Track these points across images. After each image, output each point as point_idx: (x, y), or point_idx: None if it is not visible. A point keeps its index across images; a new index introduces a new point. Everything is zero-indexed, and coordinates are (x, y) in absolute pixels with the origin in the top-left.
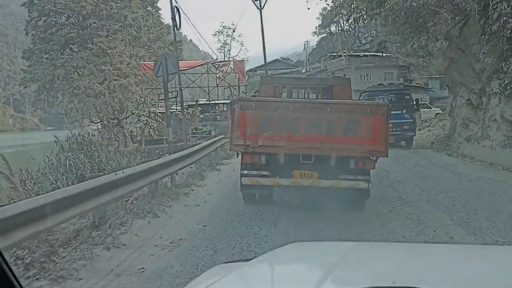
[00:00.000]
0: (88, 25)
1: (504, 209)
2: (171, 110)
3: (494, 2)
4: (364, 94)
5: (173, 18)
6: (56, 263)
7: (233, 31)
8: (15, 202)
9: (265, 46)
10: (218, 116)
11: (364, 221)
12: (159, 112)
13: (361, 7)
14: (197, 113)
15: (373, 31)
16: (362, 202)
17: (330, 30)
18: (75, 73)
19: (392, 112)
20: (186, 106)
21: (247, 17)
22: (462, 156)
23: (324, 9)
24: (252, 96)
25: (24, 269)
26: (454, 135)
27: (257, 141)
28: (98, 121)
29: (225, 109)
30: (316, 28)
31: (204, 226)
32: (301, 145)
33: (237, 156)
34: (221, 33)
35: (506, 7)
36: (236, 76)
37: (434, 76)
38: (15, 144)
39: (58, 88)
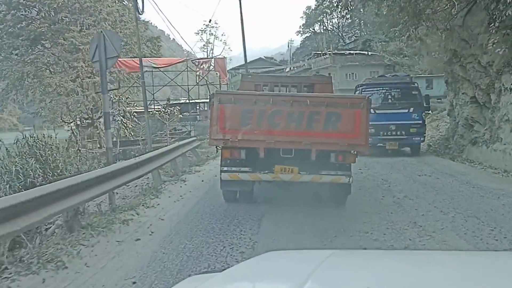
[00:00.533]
0: (60, 19)
1: None
2: (149, 110)
3: None
4: (361, 87)
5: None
6: None
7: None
8: None
9: (249, 47)
10: (198, 116)
11: None
12: (136, 112)
13: None
14: (176, 113)
15: (357, 31)
16: (344, 197)
17: (314, 29)
18: (47, 70)
19: (395, 111)
20: (165, 105)
21: (231, 16)
22: (468, 161)
23: (308, 7)
24: None
25: None
26: (454, 137)
27: (236, 136)
28: (71, 120)
29: (205, 108)
30: (300, 28)
31: (134, 283)
32: (281, 139)
33: (217, 151)
34: (204, 32)
35: None
36: (217, 74)
37: (420, 75)
38: None
39: (28, 86)
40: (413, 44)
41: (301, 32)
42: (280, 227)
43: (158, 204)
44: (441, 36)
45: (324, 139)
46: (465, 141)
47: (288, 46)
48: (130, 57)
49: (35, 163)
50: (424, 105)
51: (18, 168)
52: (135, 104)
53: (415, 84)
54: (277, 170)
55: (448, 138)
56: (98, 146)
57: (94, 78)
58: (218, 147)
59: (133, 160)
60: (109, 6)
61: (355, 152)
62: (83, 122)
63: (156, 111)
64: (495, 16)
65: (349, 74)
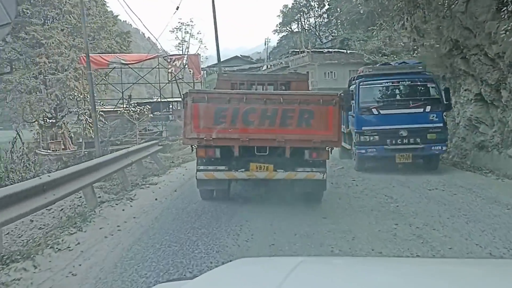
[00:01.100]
0: (21, 12)
1: None
2: (117, 109)
3: None
4: (358, 80)
5: None
6: None
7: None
8: None
9: (226, 47)
10: (170, 116)
11: None
12: (103, 111)
13: None
14: (146, 112)
15: (333, 30)
16: (319, 194)
17: (291, 28)
18: (7, 66)
19: (406, 111)
20: (127, 104)
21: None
22: (476, 169)
23: (285, 6)
24: None
25: None
26: (453, 140)
27: (210, 134)
28: (33, 120)
29: (178, 107)
30: (277, 26)
31: None
32: (255, 137)
33: (192, 151)
34: (179, 30)
35: None
36: (190, 71)
37: None
38: None
39: None
40: (404, 35)
41: (278, 31)
42: None
43: (78, 244)
44: (439, 24)
45: (297, 136)
46: (468, 144)
47: (265, 44)
48: (98, 53)
49: None
50: (444, 102)
51: None
52: (102, 102)
53: (430, 74)
54: (252, 168)
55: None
56: (63, 147)
57: (58, 74)
58: (193, 146)
59: (36, 180)
60: None
61: (329, 149)
62: (46, 122)
63: (125, 110)
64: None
65: (328, 73)
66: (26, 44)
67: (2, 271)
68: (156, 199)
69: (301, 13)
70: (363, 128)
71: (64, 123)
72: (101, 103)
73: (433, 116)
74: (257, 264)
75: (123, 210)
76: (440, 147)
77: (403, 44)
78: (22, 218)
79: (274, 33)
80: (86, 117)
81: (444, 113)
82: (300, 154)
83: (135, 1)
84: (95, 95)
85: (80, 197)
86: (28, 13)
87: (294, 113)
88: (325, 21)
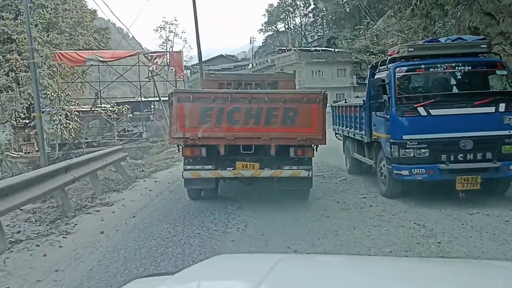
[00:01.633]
0: None
1: None
2: (94, 108)
3: None
4: (392, 65)
5: None
6: None
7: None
8: None
9: (211, 47)
10: (151, 116)
11: None
12: (77, 111)
13: None
14: (125, 112)
15: (319, 29)
16: (306, 191)
17: (276, 27)
18: None
19: (468, 111)
20: (113, 104)
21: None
22: None
23: (271, 5)
24: None
25: None
26: None
27: (196, 134)
28: (5, 120)
29: (160, 107)
30: (262, 26)
31: None
32: (241, 136)
33: (178, 150)
34: (163, 29)
35: None
36: (172, 69)
37: None
38: None
39: None
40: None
41: (263, 30)
42: None
43: None
44: (453, 10)
45: (282, 134)
46: None
47: (250, 42)
48: (75, 50)
49: None
50: None
51: None
52: (78, 102)
53: (499, 58)
54: (238, 166)
55: None
56: (36, 149)
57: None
58: (179, 146)
59: None
60: None
61: (314, 146)
62: (19, 122)
63: (102, 110)
64: None
65: (315, 72)
66: None
67: None
68: (102, 232)
69: (287, 12)
70: (405, 137)
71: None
72: (77, 102)
73: (510, 118)
74: (238, 260)
75: (45, 255)
76: None
77: (391, 43)
78: None
79: (259, 33)
80: (60, 117)
81: None
82: (286, 152)
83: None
84: (69, 94)
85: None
86: None
87: (279, 111)
88: (311, 20)
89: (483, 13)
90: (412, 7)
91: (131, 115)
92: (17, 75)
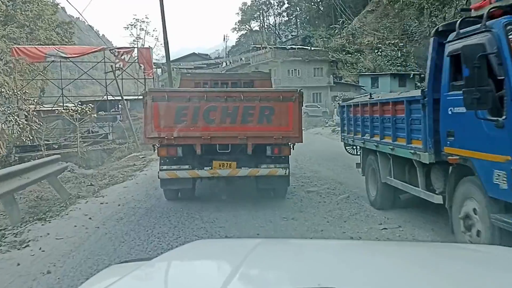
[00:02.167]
0: None
1: None
2: (54, 108)
3: None
4: (492, 23)
5: None
6: None
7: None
8: None
9: (184, 46)
10: (118, 116)
11: None
12: (38, 110)
13: None
14: (89, 112)
15: (293, 29)
16: (283, 190)
17: (250, 26)
18: None
19: None
20: (77, 103)
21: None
22: None
23: (244, 4)
24: None
25: None
26: None
27: (172, 133)
28: None
29: (128, 107)
30: (235, 24)
31: None
32: (217, 135)
33: (154, 150)
34: (134, 27)
35: None
36: (141, 66)
37: (364, 73)
38: None
39: None
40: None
41: (237, 29)
42: None
43: None
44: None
45: (259, 132)
46: None
47: (224, 39)
48: (36, 45)
49: None
50: None
51: None
52: (37, 100)
53: None
54: (215, 165)
55: None
56: None
57: None
58: (154, 146)
59: None
60: None
61: (291, 144)
62: None
63: (64, 109)
64: None
65: (292, 70)
66: None
67: None
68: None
69: (261, 11)
70: None
71: None
72: (35, 101)
73: None
74: (216, 245)
75: None
76: None
77: (366, 42)
78: None
79: (233, 31)
80: (17, 117)
81: None
82: (262, 151)
83: None
84: (27, 91)
85: None
86: None
87: (255, 110)
88: (285, 19)
89: None
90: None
91: (95, 115)
92: None
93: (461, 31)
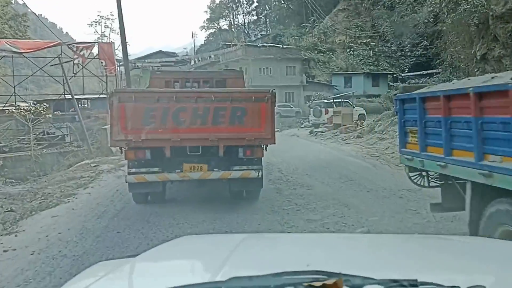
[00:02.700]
0: None
1: None
2: (5, 108)
3: None
4: None
5: None
6: None
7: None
8: None
9: (151, 45)
10: (77, 116)
11: None
12: None
13: None
14: (43, 112)
15: (263, 28)
16: (256, 192)
17: (219, 25)
18: None
19: None
20: (32, 102)
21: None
22: None
23: (213, 1)
24: None
25: None
26: None
27: (139, 135)
28: None
29: (87, 105)
30: (204, 22)
31: None
32: (187, 137)
33: (121, 153)
34: (99, 24)
35: None
36: (102, 63)
37: (336, 72)
38: None
39: None
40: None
41: (206, 27)
42: None
43: None
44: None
45: (231, 134)
46: None
47: (192, 36)
48: None
49: None
50: None
51: None
52: None
53: None
54: (185, 168)
55: None
56: None
57: None
58: (121, 148)
59: None
60: None
61: (263, 146)
62: None
63: (15, 109)
64: None
65: (263, 69)
66: None
67: None
68: None
69: (230, 10)
70: None
71: None
72: None
73: None
74: (202, 241)
75: None
76: None
77: (338, 41)
78: None
79: (201, 29)
80: None
81: None
82: (234, 153)
83: None
84: None
85: None
86: None
87: (226, 111)
88: (254, 18)
89: None
90: None
91: (50, 116)
92: None
93: None
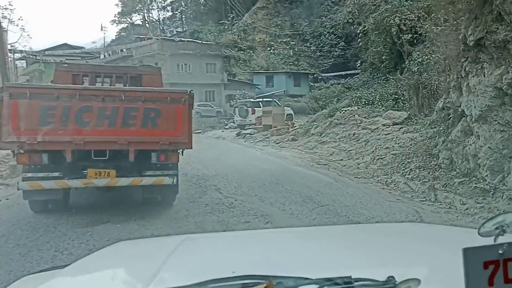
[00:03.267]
0: None
1: None
2: None
3: None
4: None
5: None
6: None
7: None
8: None
9: (56, 40)
10: None
11: None
12: None
13: None
14: None
15: (179, 24)
16: (170, 199)
17: (131, 19)
18: None
19: None
20: None
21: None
22: None
23: None
24: None
25: None
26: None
27: (35, 137)
28: None
29: None
30: (115, 16)
31: None
32: (92, 140)
33: (14, 156)
34: None
35: None
36: None
37: (258, 71)
38: None
39: None
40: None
41: (117, 22)
42: None
43: None
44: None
45: (142, 137)
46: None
47: (101, 29)
48: None
49: None
50: None
51: None
52: None
53: None
54: (90, 174)
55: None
56: None
57: None
58: (14, 152)
59: None
60: None
61: (180, 151)
62: None
63: None
64: None
65: (182, 65)
66: None
67: None
68: None
69: (142, 3)
70: None
71: None
72: None
73: None
74: (139, 245)
75: None
76: None
77: (258, 40)
78: None
79: (112, 24)
80: None
81: None
82: (147, 158)
83: None
84: None
85: None
86: None
87: (138, 112)
88: (170, 14)
89: None
90: None
91: None
92: None
93: None
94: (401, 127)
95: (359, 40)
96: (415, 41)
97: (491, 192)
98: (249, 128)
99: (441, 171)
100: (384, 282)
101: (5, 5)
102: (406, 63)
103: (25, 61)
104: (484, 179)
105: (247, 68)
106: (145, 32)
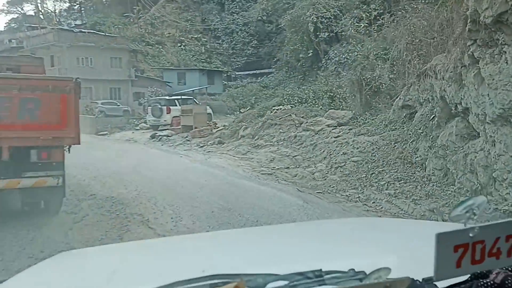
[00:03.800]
0: None
1: None
2: None
3: None
4: None
5: None
6: None
7: None
8: None
9: None
10: None
11: None
12: None
13: None
14: None
15: (77, 17)
16: (55, 204)
17: (23, 9)
18: None
19: None
20: None
21: None
22: None
23: None
24: None
25: None
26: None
27: None
28: None
29: None
30: (3, 6)
31: None
32: None
33: None
34: None
35: None
36: None
37: (169, 68)
38: None
39: None
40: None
41: (6, 12)
42: None
43: None
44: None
45: (19, 132)
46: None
47: None
48: None
49: None
50: None
51: None
52: None
53: None
54: None
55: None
56: None
57: None
58: None
59: None
60: None
61: (66, 147)
62: None
63: None
64: None
65: (83, 59)
66: None
67: None
68: None
69: None
70: None
71: None
72: None
73: None
74: (86, 255)
75: None
76: None
77: (167, 34)
78: None
79: (0, 14)
80: None
81: None
82: (25, 156)
83: None
84: None
85: None
86: None
87: (13, 102)
88: (67, 6)
89: None
90: None
91: None
92: None
93: None
94: (350, 128)
95: (273, 38)
96: (331, 40)
97: None
98: (165, 129)
99: (433, 185)
100: (355, 273)
101: None
102: (323, 62)
103: None
104: (505, 198)
105: (156, 64)
106: (38, 23)
